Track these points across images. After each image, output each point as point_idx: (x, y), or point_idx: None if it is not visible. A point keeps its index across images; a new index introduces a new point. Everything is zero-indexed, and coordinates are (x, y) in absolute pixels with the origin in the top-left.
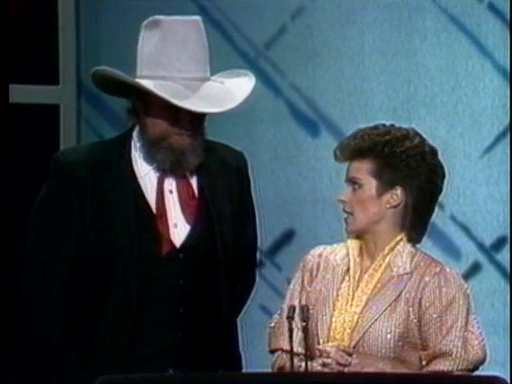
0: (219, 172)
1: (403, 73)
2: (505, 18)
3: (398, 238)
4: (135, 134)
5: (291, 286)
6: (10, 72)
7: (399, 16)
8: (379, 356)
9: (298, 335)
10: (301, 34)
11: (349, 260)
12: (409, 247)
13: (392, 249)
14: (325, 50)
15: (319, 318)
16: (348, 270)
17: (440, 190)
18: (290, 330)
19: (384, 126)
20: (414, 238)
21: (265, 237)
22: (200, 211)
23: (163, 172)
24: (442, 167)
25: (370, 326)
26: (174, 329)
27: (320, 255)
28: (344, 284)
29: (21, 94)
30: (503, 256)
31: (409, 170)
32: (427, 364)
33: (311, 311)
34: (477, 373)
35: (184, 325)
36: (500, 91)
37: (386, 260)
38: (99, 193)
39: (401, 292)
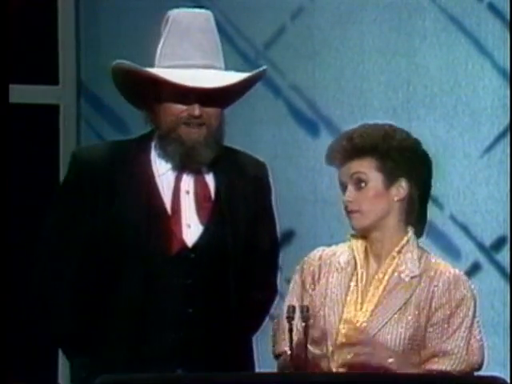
0: (237, 177)
1: (403, 73)
2: (505, 18)
3: (405, 239)
4: (155, 133)
5: (290, 288)
6: (10, 72)
7: (399, 16)
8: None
9: (299, 337)
10: (301, 34)
11: (355, 263)
12: (416, 249)
13: (399, 251)
14: (325, 49)
15: (328, 321)
16: (354, 273)
17: (431, 179)
18: (290, 331)
19: (368, 124)
20: (418, 232)
21: None
22: (214, 213)
23: (180, 172)
24: (428, 156)
25: (380, 330)
26: (182, 329)
27: (320, 257)
28: (352, 288)
29: (21, 93)
30: (503, 256)
31: (406, 161)
32: (426, 362)
33: (317, 315)
34: (477, 373)
35: (192, 325)
36: (500, 91)
37: (394, 263)
38: (113, 189)
39: (411, 295)
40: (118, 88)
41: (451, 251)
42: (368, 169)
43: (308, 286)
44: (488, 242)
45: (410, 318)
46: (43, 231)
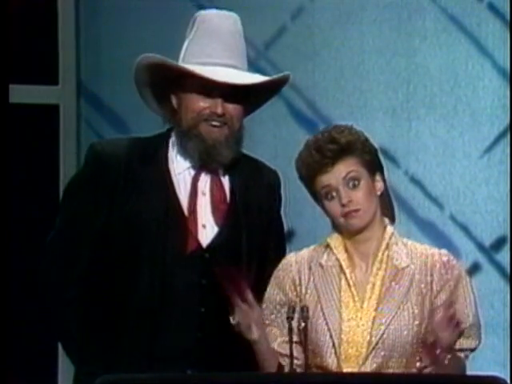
0: (252, 181)
1: (403, 73)
2: (505, 17)
3: (389, 233)
4: (174, 132)
5: (266, 297)
6: (10, 72)
7: (399, 16)
8: (400, 352)
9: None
10: (301, 34)
11: (340, 264)
12: (401, 240)
13: (387, 245)
14: (325, 50)
15: (329, 320)
16: (341, 272)
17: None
18: (290, 330)
19: (326, 128)
20: (392, 219)
21: None
22: (229, 215)
23: (197, 172)
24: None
25: (389, 324)
26: (194, 329)
27: (296, 262)
28: (344, 287)
29: (21, 93)
30: (503, 256)
31: (374, 154)
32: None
33: (314, 315)
34: (476, 373)
35: (204, 325)
36: (500, 91)
37: (385, 257)
38: (131, 186)
39: (411, 284)
40: (139, 85)
41: (451, 251)
42: (356, 166)
43: (291, 294)
44: (488, 242)
45: (414, 306)
46: (56, 225)
